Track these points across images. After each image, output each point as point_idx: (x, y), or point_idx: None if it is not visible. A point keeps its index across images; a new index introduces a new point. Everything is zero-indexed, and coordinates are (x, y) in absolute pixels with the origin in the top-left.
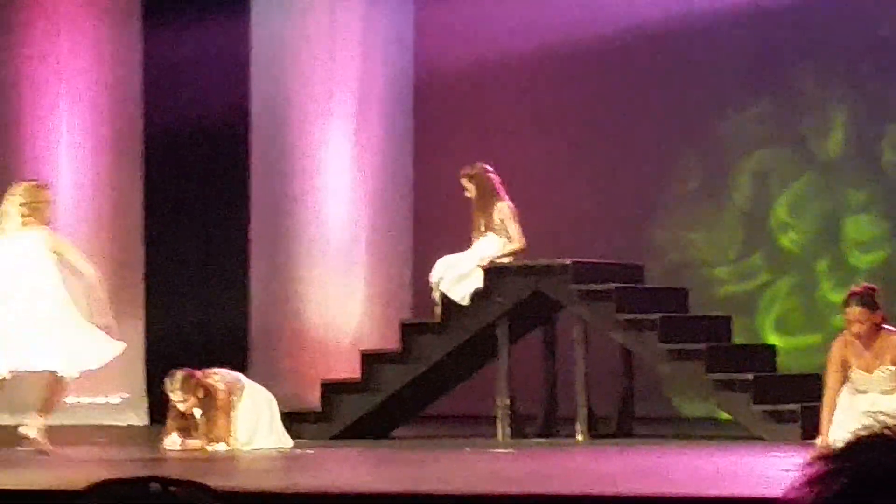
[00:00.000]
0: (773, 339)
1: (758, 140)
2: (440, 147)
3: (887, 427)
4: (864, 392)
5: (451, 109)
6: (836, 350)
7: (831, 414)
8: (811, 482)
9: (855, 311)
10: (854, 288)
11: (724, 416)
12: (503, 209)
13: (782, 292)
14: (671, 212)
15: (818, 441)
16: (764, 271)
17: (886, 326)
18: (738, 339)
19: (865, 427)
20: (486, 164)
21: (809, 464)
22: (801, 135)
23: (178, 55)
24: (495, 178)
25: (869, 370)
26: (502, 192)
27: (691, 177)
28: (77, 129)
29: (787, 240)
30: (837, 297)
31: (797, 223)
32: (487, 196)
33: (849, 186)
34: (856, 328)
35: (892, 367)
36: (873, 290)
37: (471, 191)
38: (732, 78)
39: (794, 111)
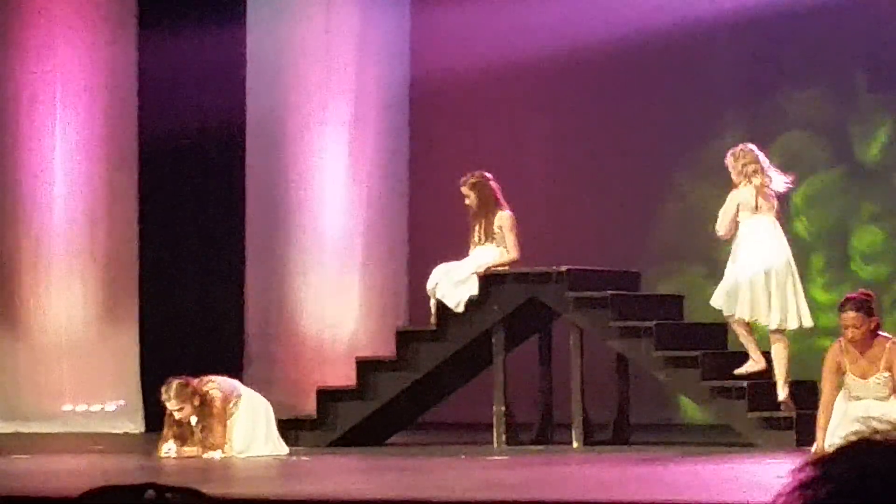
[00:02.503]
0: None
1: (801, 121)
2: (436, 155)
3: (876, 432)
4: (859, 398)
5: (447, 117)
6: (832, 356)
7: (827, 420)
8: (799, 487)
9: (850, 316)
10: (850, 294)
11: (720, 422)
12: (504, 218)
13: None
14: (683, 188)
15: (814, 448)
16: None
17: (882, 333)
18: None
19: (855, 432)
20: (486, 171)
21: (798, 469)
22: (846, 131)
23: (173, 63)
24: (496, 186)
25: (864, 376)
26: (503, 201)
27: (723, 138)
28: (72, 136)
29: (799, 224)
30: (823, 296)
31: (811, 212)
32: (488, 204)
33: (874, 194)
34: (850, 333)
35: (887, 374)
36: (869, 296)
37: (471, 199)
38: (788, 63)
39: (845, 106)
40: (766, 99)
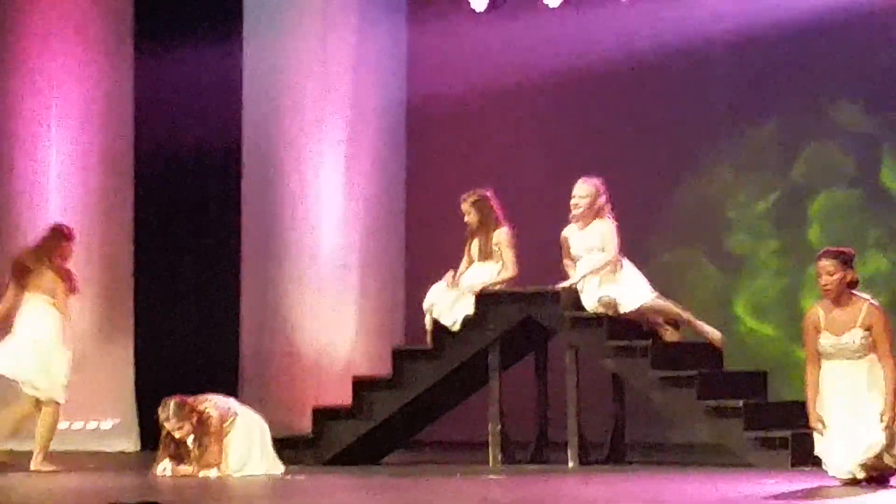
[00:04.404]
0: (738, 305)
1: (834, 133)
2: (433, 173)
3: None
4: (832, 358)
5: (444, 135)
6: (809, 321)
7: (815, 395)
8: None
9: (824, 263)
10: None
11: (716, 442)
12: (502, 235)
13: (771, 267)
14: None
15: (811, 417)
16: (771, 238)
17: (858, 293)
18: (705, 290)
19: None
20: (486, 189)
21: None
22: (879, 153)
23: (169, 79)
24: (497, 204)
25: (839, 333)
26: (502, 219)
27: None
28: (68, 153)
29: (812, 233)
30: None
31: (825, 223)
32: (488, 222)
33: (889, 222)
34: (824, 281)
35: (863, 332)
36: (850, 252)
37: (472, 216)
38: (830, 75)
39: (884, 129)
40: (803, 106)
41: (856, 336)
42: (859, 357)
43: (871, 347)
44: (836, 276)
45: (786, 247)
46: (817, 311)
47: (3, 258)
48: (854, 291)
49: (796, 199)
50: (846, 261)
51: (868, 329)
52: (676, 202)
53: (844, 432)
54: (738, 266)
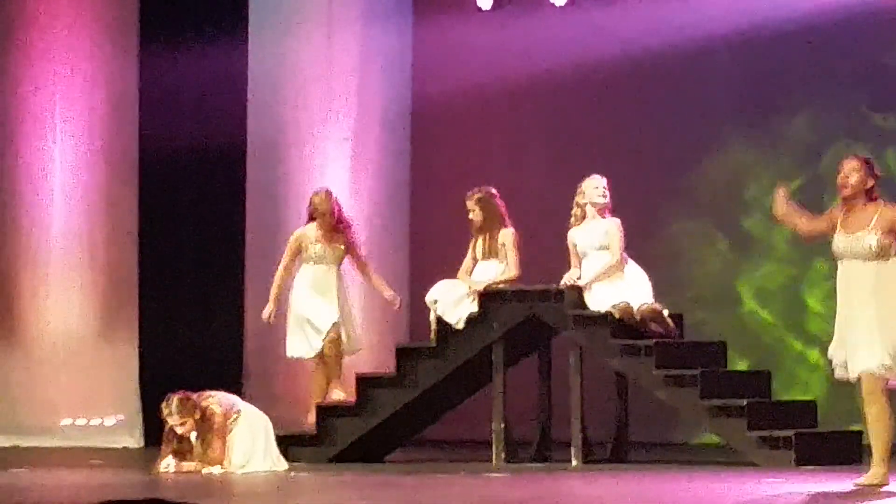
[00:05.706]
0: (741, 285)
1: (870, 133)
2: (437, 171)
3: None
4: (842, 258)
5: (449, 133)
6: (832, 212)
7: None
8: None
9: (853, 162)
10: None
11: (719, 441)
12: (508, 235)
13: (780, 254)
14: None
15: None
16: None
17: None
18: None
19: None
20: (492, 188)
21: None
22: None
23: (175, 78)
24: (501, 203)
25: (853, 232)
26: (507, 218)
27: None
28: (72, 150)
29: None
30: (818, 305)
31: None
32: (493, 220)
33: None
34: (848, 179)
35: (881, 236)
36: (871, 161)
37: (476, 213)
38: (859, 73)
39: None
40: (836, 102)
41: (870, 239)
42: (868, 260)
43: (885, 252)
44: (860, 173)
45: (798, 237)
46: (840, 209)
47: (6, 256)
48: (874, 197)
49: (817, 192)
50: (869, 166)
51: (885, 232)
52: (689, 196)
53: (840, 332)
54: (745, 246)
